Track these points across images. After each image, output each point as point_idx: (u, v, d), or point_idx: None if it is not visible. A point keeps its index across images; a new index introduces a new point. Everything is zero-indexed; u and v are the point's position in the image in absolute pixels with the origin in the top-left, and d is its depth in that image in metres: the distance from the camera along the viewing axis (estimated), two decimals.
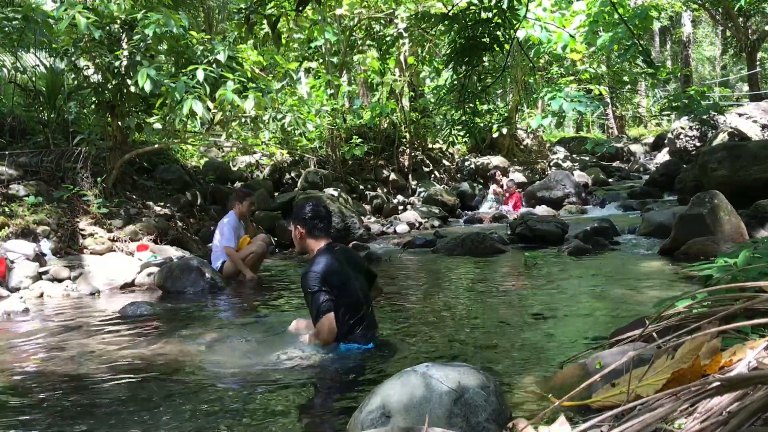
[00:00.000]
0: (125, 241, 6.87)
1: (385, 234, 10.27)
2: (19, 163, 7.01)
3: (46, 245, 6.15)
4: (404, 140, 13.72)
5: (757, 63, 22.05)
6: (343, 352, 3.12)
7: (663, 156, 15.96)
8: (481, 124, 13.04)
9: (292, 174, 11.73)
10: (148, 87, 6.31)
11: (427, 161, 14.59)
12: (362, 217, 10.38)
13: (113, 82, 7.02)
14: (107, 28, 6.79)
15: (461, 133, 11.38)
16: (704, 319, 2.18)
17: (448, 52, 6.51)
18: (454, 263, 6.84)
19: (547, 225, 8.12)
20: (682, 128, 15.06)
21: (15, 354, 3.57)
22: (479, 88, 6.83)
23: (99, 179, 7.25)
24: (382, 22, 13.03)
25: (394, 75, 13.30)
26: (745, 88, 24.97)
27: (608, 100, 21.95)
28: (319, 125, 10.27)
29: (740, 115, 13.98)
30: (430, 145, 15.23)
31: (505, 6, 5.33)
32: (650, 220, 7.78)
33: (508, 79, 16.09)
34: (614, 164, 17.77)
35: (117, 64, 6.73)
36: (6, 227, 6.09)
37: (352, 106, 13.21)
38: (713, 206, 6.13)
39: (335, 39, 12.10)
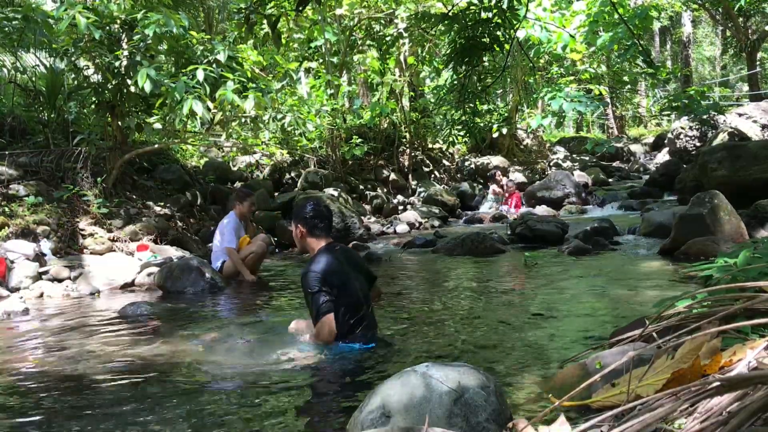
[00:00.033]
0: (125, 241, 6.88)
1: (385, 234, 10.27)
2: (19, 163, 7.01)
3: (46, 245, 6.15)
4: (404, 140, 13.72)
5: (757, 63, 22.05)
6: (343, 352, 3.12)
7: (663, 156, 15.96)
8: (481, 124, 13.05)
9: (292, 174, 11.73)
10: (148, 87, 6.32)
11: (427, 161, 14.59)
12: (362, 217, 10.38)
13: (113, 82, 7.03)
14: (107, 28, 6.80)
15: (461, 133, 11.38)
16: (704, 319, 2.18)
17: (448, 52, 6.51)
18: (454, 263, 6.84)
19: (547, 225, 8.13)
20: (682, 128, 15.06)
21: (15, 354, 3.57)
22: (479, 88, 6.83)
23: (99, 179, 7.26)
24: (382, 22, 13.03)
25: (394, 75, 13.30)
26: (745, 88, 24.97)
27: (608, 100, 21.95)
28: (319, 125, 10.28)
29: (740, 115, 13.98)
30: (430, 145, 15.24)
31: (505, 6, 5.33)
32: (650, 220, 7.78)
33: (508, 79, 16.11)
34: (614, 164, 17.78)
35: (117, 64, 6.74)
36: (6, 227, 6.10)
37: (352, 106, 13.21)
38: (713, 206, 6.13)
39: (335, 39, 12.10)
